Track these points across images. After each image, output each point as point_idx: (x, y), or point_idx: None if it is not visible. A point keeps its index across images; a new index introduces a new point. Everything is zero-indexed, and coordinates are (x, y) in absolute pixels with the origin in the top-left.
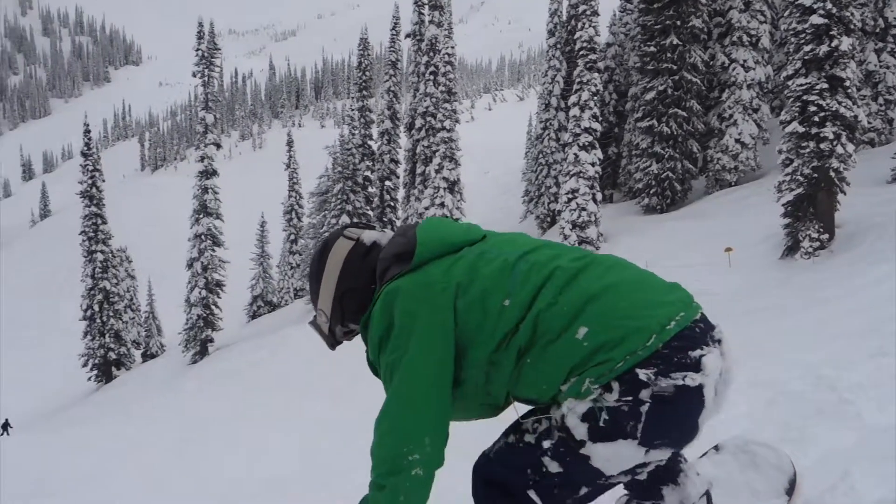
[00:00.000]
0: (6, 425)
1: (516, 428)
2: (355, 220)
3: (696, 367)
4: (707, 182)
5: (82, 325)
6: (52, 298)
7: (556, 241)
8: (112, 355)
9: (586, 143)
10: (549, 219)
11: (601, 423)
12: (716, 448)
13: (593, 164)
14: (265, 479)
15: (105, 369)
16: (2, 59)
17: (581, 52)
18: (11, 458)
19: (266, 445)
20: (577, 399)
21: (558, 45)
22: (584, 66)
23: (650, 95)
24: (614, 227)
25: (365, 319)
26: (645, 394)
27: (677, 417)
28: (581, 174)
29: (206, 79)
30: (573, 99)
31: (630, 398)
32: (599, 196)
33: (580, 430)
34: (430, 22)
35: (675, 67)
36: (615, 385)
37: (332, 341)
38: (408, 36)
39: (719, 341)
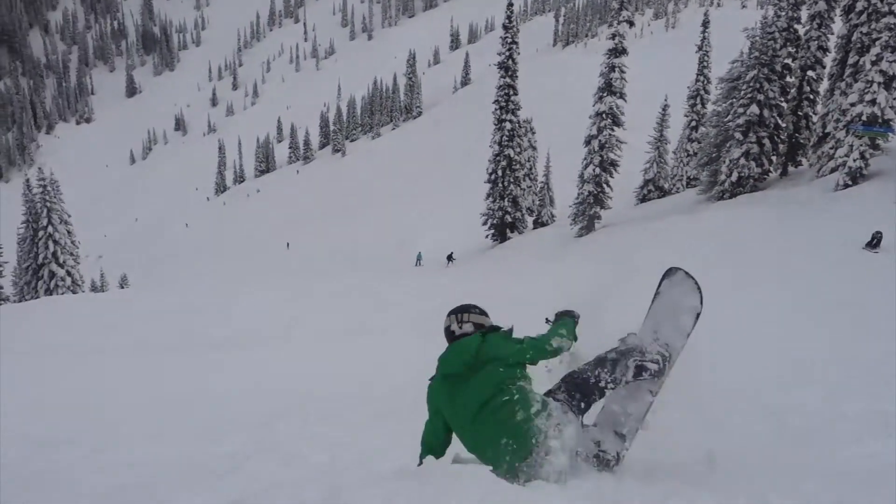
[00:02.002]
0: (450, 257)
1: None
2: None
3: None
4: None
5: (486, 187)
6: (461, 161)
7: None
8: (508, 218)
9: None
10: None
11: None
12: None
13: None
14: None
15: (501, 230)
16: None
17: None
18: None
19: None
20: None
21: None
22: None
23: None
24: None
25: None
26: None
27: None
28: None
29: None
30: None
31: None
32: None
33: None
34: None
35: None
36: None
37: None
38: None
39: None
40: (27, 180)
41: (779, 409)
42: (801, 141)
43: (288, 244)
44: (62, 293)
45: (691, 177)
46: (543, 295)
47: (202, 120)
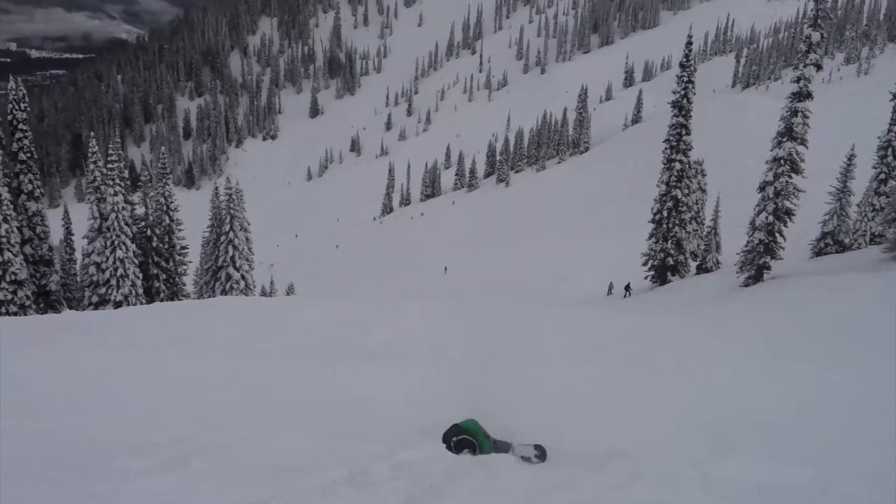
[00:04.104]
0: (628, 287)
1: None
2: None
3: None
4: None
5: (649, 227)
6: (626, 198)
7: None
8: (670, 261)
9: None
10: None
11: None
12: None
13: None
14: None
15: (661, 272)
16: None
17: None
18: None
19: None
20: None
21: None
22: None
23: None
24: None
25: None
26: None
27: None
28: None
29: None
30: None
31: None
32: None
33: None
34: None
35: None
36: None
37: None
38: None
39: None
40: (216, 188)
41: None
42: None
43: (446, 268)
44: (235, 295)
45: (875, 233)
46: (697, 343)
47: (376, 143)
